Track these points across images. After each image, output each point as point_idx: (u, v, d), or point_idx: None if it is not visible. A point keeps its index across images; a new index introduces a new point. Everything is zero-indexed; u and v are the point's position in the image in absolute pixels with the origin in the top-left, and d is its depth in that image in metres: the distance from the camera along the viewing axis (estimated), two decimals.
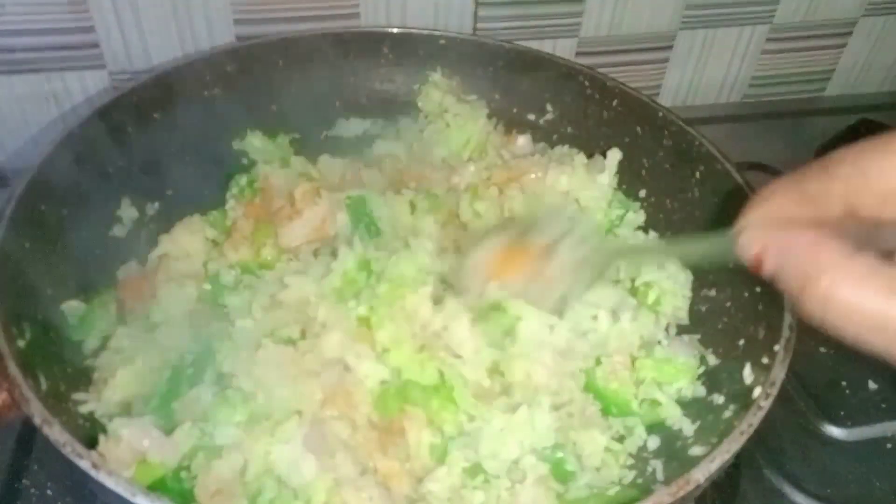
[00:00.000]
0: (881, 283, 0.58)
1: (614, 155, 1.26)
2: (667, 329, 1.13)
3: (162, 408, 0.91)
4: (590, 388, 1.05)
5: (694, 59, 1.69)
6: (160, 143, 1.20)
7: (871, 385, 1.22)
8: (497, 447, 0.95)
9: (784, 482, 1.11)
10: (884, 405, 1.20)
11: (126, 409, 0.93)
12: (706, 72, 1.72)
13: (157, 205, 1.21)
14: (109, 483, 0.69)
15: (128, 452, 0.83)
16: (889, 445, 1.16)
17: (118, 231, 1.15)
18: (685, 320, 1.12)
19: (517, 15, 1.53)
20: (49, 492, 1.02)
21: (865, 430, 1.17)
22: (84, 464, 0.71)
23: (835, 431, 1.17)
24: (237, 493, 0.87)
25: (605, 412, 1.04)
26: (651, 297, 1.12)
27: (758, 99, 1.81)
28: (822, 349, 1.26)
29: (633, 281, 1.15)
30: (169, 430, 0.88)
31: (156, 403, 0.92)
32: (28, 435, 1.07)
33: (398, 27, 1.40)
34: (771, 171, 1.56)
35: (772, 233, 0.68)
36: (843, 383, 1.22)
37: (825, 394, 1.21)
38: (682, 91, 1.74)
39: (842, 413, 1.18)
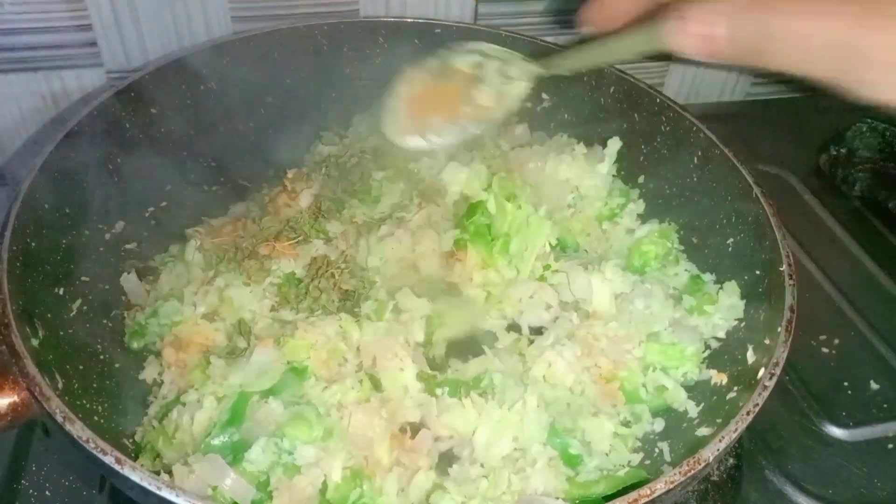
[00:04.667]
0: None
1: (614, 144, 1.31)
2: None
3: (234, 423, 0.95)
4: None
5: None
6: (157, 138, 1.24)
7: (873, 386, 1.26)
8: (491, 441, 1.01)
9: (786, 482, 1.14)
10: (885, 406, 1.24)
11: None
12: (708, 69, 1.76)
13: (157, 202, 1.25)
14: (134, 477, 0.73)
15: (201, 485, 0.87)
16: (890, 446, 1.20)
17: (118, 229, 1.18)
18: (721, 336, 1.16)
19: (518, 11, 1.56)
20: (47, 492, 1.06)
21: (867, 430, 1.21)
22: (108, 459, 0.75)
23: (836, 432, 1.21)
24: None
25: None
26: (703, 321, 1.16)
27: (760, 98, 1.85)
28: (825, 350, 1.30)
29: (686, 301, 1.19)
30: (243, 445, 0.93)
31: (227, 418, 0.96)
32: (26, 436, 1.11)
33: (394, 17, 1.43)
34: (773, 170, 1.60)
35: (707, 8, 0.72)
36: (845, 384, 1.26)
37: (827, 394, 1.24)
38: (684, 89, 1.78)
39: (843, 414, 1.22)
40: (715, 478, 1.14)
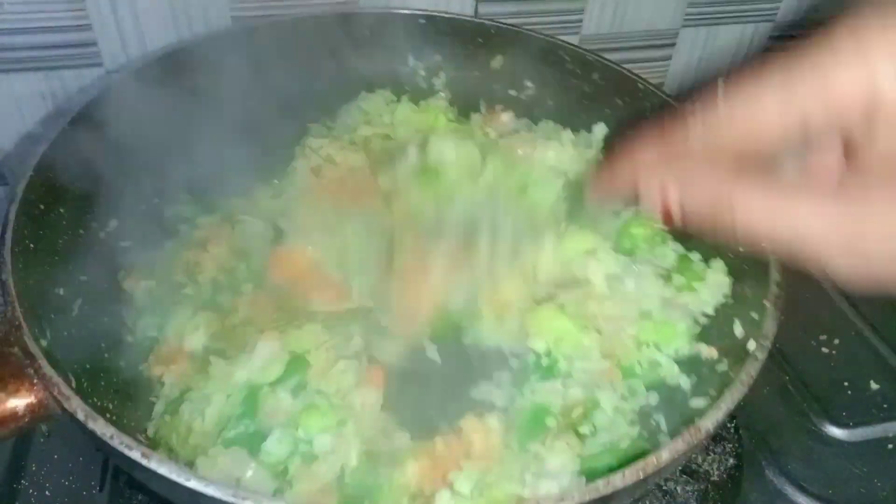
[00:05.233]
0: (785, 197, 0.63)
1: (600, 130, 1.33)
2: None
3: (247, 415, 0.96)
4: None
5: (696, 57, 1.75)
6: (148, 135, 1.22)
7: (873, 385, 1.28)
8: None
9: (786, 482, 1.16)
10: (885, 406, 1.25)
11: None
12: (709, 70, 1.77)
13: (150, 199, 1.24)
14: (162, 470, 0.73)
15: (224, 477, 0.88)
16: (890, 446, 1.22)
17: (113, 227, 1.18)
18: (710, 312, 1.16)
19: (518, 11, 1.57)
20: (47, 493, 1.07)
21: (867, 430, 1.23)
22: (134, 454, 0.75)
23: (836, 432, 1.22)
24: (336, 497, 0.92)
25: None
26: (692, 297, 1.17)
27: None
28: (825, 349, 1.32)
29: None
30: (259, 437, 0.94)
31: (241, 411, 0.96)
32: (27, 435, 1.12)
33: (380, 9, 1.44)
34: None
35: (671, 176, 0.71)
36: (845, 384, 1.28)
37: (827, 394, 1.26)
38: (684, 90, 1.78)
39: (843, 414, 1.24)
40: (715, 478, 1.15)
